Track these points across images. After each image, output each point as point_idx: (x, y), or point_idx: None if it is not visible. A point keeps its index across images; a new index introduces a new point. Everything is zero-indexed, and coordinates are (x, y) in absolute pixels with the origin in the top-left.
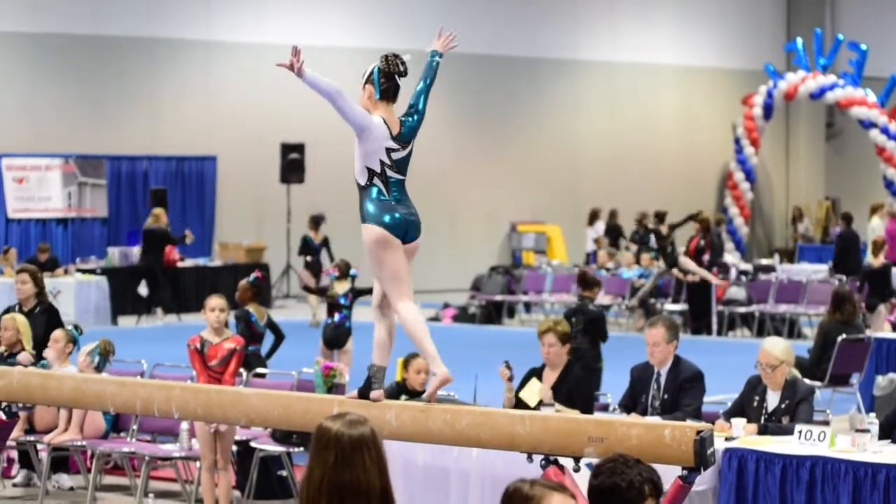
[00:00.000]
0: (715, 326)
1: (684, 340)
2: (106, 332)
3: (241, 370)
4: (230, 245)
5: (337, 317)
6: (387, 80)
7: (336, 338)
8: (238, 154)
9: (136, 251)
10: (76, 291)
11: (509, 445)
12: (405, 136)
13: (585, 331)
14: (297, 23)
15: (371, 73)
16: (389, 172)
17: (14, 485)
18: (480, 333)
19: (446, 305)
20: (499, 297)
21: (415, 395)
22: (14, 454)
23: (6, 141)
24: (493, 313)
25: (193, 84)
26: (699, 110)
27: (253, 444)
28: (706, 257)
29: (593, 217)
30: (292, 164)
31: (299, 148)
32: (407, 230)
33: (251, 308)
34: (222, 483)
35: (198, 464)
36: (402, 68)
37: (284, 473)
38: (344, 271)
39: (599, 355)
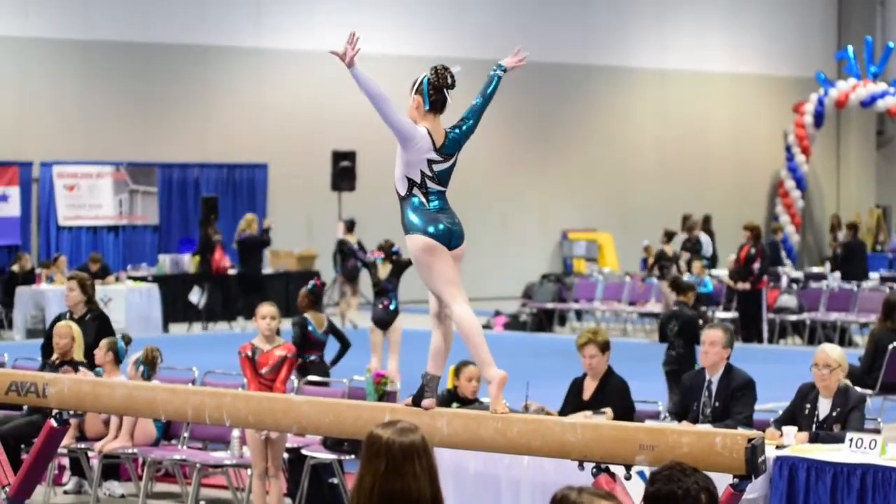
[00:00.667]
0: (766, 334)
1: (735, 348)
2: (157, 339)
3: (293, 377)
4: (281, 253)
5: (384, 300)
6: (436, 92)
7: (385, 319)
8: (289, 162)
9: (186, 259)
10: (127, 299)
11: (560, 453)
12: (448, 149)
13: (680, 333)
14: (348, 30)
15: (420, 83)
16: (430, 184)
17: (65, 492)
18: (531, 341)
19: (497, 313)
20: (550, 305)
21: (466, 402)
22: (65, 461)
23: (57, 148)
24: (544, 321)
25: (245, 91)
26: (750, 118)
27: (304, 452)
28: (756, 265)
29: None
30: (343, 172)
31: (350, 156)
32: (451, 239)
33: (309, 315)
34: (273, 490)
35: (249, 471)
36: (450, 81)
37: (335, 481)
38: (387, 252)
39: (695, 359)
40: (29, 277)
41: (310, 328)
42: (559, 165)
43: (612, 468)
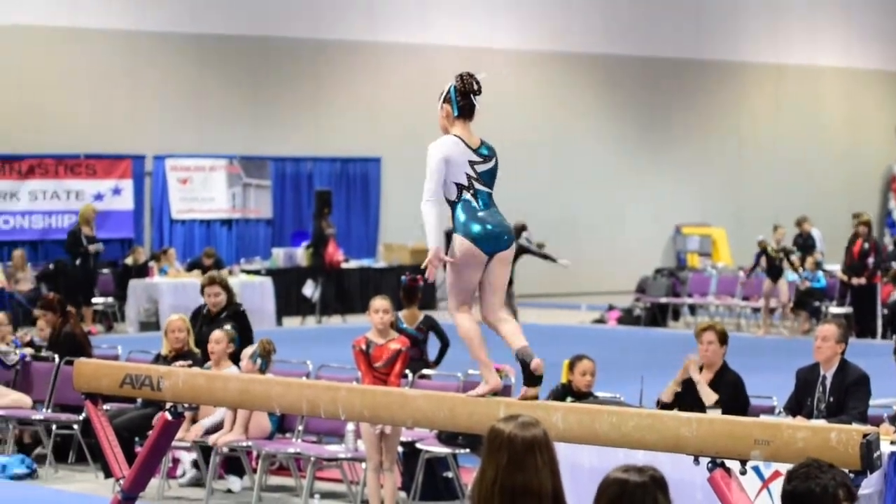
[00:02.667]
0: (880, 329)
1: (850, 343)
2: (270, 333)
3: (407, 371)
4: (394, 246)
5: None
6: (463, 98)
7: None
8: (402, 155)
9: (300, 252)
10: (240, 292)
11: (675, 448)
12: (484, 150)
13: None
14: (461, 25)
15: (448, 92)
16: (477, 185)
17: (180, 485)
18: (645, 336)
19: (611, 307)
20: (663, 300)
21: (580, 397)
22: (179, 454)
23: (170, 142)
24: (657, 315)
25: (358, 85)
26: (863, 113)
27: (419, 446)
28: (870, 260)
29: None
30: None
31: None
32: (498, 241)
33: (401, 313)
34: (388, 484)
35: (363, 465)
36: (476, 87)
37: (450, 475)
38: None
39: None
40: (142, 270)
41: (401, 325)
42: (673, 160)
43: (728, 463)
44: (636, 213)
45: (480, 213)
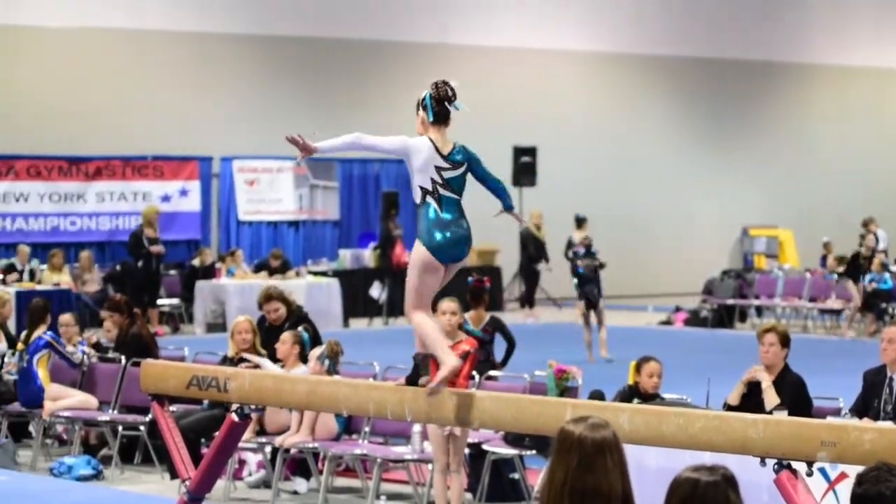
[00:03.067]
0: None
1: None
2: (337, 334)
3: (474, 373)
4: None
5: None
6: (437, 104)
7: (593, 293)
8: None
9: (367, 253)
10: (307, 293)
11: (742, 449)
12: (455, 157)
13: None
14: (528, 26)
15: (423, 99)
16: (442, 191)
17: (247, 486)
18: (712, 337)
19: (678, 309)
20: (730, 301)
21: (647, 398)
22: (245, 455)
23: (238, 143)
24: (724, 317)
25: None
26: None
27: (485, 447)
28: None
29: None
30: (525, 168)
31: (531, 151)
32: (455, 250)
33: (468, 314)
34: (454, 486)
35: (430, 466)
36: (451, 93)
37: (516, 476)
38: (587, 246)
39: None
40: (209, 272)
41: (465, 326)
42: (740, 161)
43: (794, 465)
44: (703, 214)
45: (442, 222)
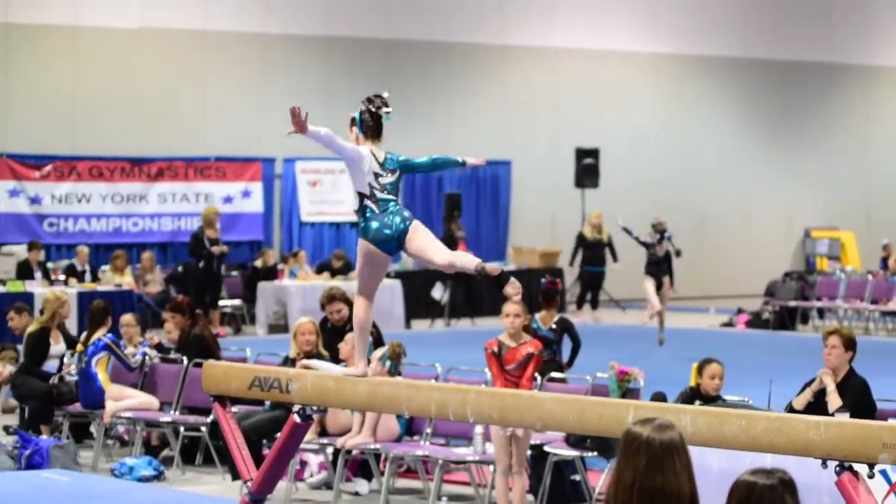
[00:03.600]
0: None
1: None
2: (399, 335)
3: (536, 374)
4: (524, 249)
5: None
6: (370, 119)
7: (659, 273)
8: (532, 158)
9: None
10: None
11: (804, 451)
12: (389, 164)
13: None
14: (590, 28)
15: (355, 118)
16: (379, 194)
17: (308, 487)
18: (774, 339)
19: (740, 311)
20: (792, 303)
21: (709, 400)
22: (307, 457)
23: (301, 144)
24: (786, 319)
25: (488, 88)
26: None
27: (547, 449)
28: None
29: None
30: (587, 169)
31: (594, 153)
32: (392, 243)
33: (538, 315)
34: (516, 487)
35: (491, 468)
36: (383, 109)
37: (578, 478)
38: (661, 232)
39: None
40: (271, 273)
41: (534, 326)
42: (802, 164)
43: (855, 467)
44: (765, 216)
45: (380, 216)
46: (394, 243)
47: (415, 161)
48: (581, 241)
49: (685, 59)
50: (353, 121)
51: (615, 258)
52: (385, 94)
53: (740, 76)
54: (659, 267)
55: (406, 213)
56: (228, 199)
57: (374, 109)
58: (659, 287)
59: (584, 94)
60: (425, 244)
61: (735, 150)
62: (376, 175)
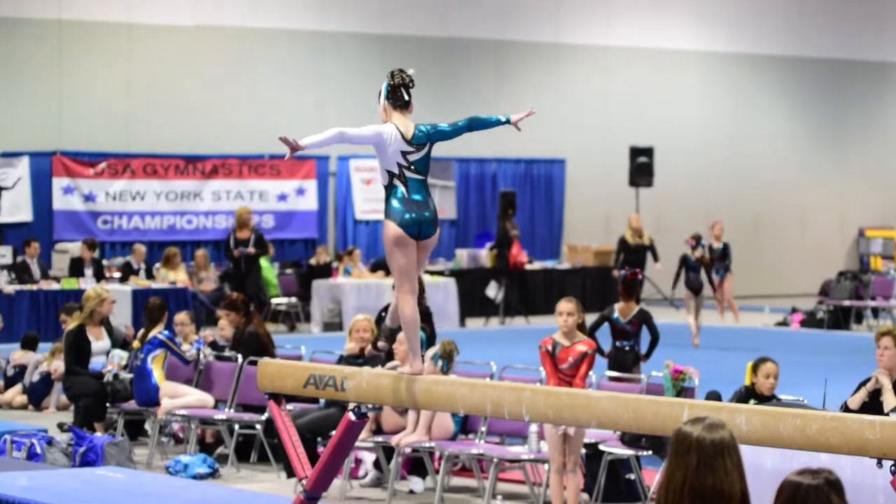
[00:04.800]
0: None
1: None
2: (453, 334)
3: (591, 373)
4: (578, 248)
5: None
6: (395, 90)
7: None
8: (586, 157)
9: (484, 253)
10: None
11: (859, 451)
12: (418, 139)
13: None
14: (644, 26)
15: (382, 90)
16: (408, 173)
17: (362, 485)
18: (828, 339)
19: (794, 310)
20: (846, 303)
21: (764, 399)
22: (362, 455)
23: None
24: (840, 318)
25: (542, 86)
26: None
27: (602, 447)
28: None
29: None
30: (641, 168)
31: (648, 151)
32: (421, 227)
33: (616, 306)
34: (571, 486)
35: (546, 466)
36: (408, 80)
37: (632, 477)
38: (697, 239)
39: None
40: (325, 271)
41: (613, 316)
42: (856, 163)
43: None
44: (819, 215)
45: (408, 200)
46: (415, 229)
47: (446, 126)
48: (623, 245)
49: (739, 57)
50: (380, 94)
51: (656, 259)
52: (410, 71)
53: (794, 75)
54: (696, 273)
55: (433, 206)
56: (283, 197)
57: (396, 83)
58: (696, 293)
59: (637, 93)
60: (422, 260)
61: (789, 149)
62: (404, 153)
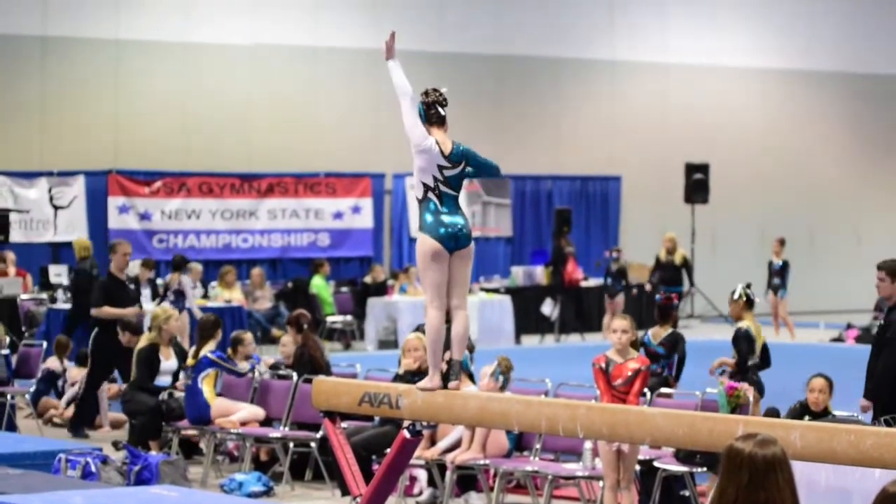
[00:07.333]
0: None
1: None
2: (508, 351)
3: (646, 390)
4: (634, 265)
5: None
6: (430, 108)
7: None
8: (642, 174)
9: (539, 270)
10: (479, 310)
11: None
12: (455, 157)
13: None
14: (699, 43)
15: (418, 110)
16: (442, 188)
17: (417, 503)
18: None
19: (849, 326)
20: None
21: (818, 415)
22: (417, 472)
23: (410, 160)
24: None
25: (597, 103)
26: None
27: (656, 464)
28: None
29: None
30: (697, 185)
31: (704, 168)
32: (458, 241)
33: (651, 330)
34: (625, 502)
35: (600, 483)
36: (441, 98)
37: (687, 493)
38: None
39: None
40: (381, 289)
41: (645, 340)
42: None
43: None
44: (874, 231)
45: (442, 215)
46: (452, 242)
47: (479, 156)
48: (656, 262)
49: (795, 73)
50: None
51: (691, 282)
52: (443, 89)
53: (850, 91)
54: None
55: (465, 220)
56: (338, 215)
57: (431, 101)
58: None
59: (693, 110)
60: (462, 278)
61: (844, 165)
62: (440, 167)
